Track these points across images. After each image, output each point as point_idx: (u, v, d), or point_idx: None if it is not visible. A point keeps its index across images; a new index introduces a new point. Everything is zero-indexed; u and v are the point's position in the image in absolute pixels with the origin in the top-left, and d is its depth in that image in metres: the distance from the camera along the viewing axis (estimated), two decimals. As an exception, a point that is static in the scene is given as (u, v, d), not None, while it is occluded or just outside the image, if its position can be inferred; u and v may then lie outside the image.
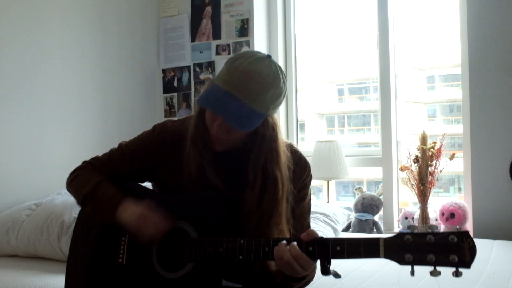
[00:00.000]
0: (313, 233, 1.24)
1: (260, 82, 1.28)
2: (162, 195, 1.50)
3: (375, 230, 3.16)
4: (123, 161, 1.51)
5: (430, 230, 1.12)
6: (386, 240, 1.13)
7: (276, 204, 1.36)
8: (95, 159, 1.57)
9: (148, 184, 1.60)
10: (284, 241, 1.24)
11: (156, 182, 1.55)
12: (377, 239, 1.14)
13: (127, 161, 1.51)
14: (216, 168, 1.40)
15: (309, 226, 1.52)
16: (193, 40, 3.59)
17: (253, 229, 1.35)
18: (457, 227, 1.10)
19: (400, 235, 1.13)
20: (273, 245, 1.25)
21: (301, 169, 1.47)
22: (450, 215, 2.91)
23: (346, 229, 3.17)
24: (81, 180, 1.51)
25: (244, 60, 1.29)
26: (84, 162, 1.58)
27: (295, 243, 1.22)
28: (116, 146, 1.57)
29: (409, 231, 1.13)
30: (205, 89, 1.35)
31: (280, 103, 1.36)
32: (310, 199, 1.53)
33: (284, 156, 1.38)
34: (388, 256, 1.12)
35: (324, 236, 1.24)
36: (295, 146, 1.52)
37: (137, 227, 1.37)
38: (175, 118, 1.54)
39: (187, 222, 1.38)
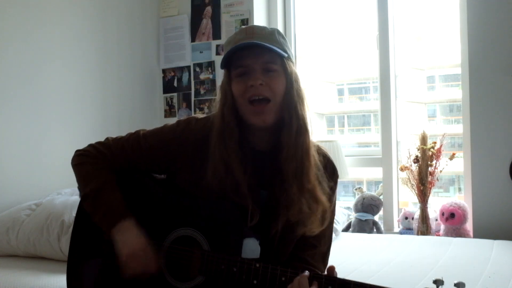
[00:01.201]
0: (332, 270, 1.22)
1: (262, 29, 1.35)
2: (174, 197, 1.40)
3: (375, 230, 3.15)
4: (137, 154, 1.42)
5: None
6: None
7: (308, 144, 1.34)
8: (106, 148, 1.43)
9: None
10: (299, 277, 1.19)
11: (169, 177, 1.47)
12: None
13: (142, 154, 1.41)
14: (243, 165, 1.33)
15: (331, 235, 1.47)
16: (193, 40, 3.59)
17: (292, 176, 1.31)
18: None
19: None
20: (290, 276, 1.21)
21: (329, 174, 1.42)
22: (450, 215, 2.90)
23: (346, 229, 3.17)
24: (85, 173, 1.41)
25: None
26: (93, 148, 1.44)
27: (315, 284, 1.18)
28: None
29: (434, 287, 1.08)
30: (222, 58, 1.35)
31: (291, 52, 1.38)
32: (335, 207, 1.46)
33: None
34: None
35: (346, 278, 1.19)
36: (323, 148, 1.46)
37: (125, 261, 1.32)
38: (201, 116, 1.45)
39: (198, 231, 1.33)
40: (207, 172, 1.34)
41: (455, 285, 1.07)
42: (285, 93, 1.33)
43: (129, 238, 1.32)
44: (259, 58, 1.31)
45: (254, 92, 1.30)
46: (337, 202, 1.52)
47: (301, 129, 1.33)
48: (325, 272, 1.29)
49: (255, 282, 1.23)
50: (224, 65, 1.35)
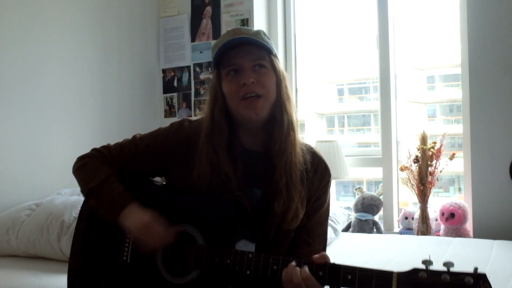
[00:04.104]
0: (325, 257, 1.22)
1: (248, 29, 1.40)
2: (170, 195, 1.45)
3: (375, 230, 3.15)
4: (135, 154, 1.47)
5: (446, 268, 1.07)
6: (399, 275, 1.10)
7: (295, 140, 1.38)
8: (106, 148, 1.51)
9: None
10: (294, 263, 1.21)
11: (167, 178, 1.51)
12: (391, 274, 1.11)
13: (139, 155, 1.46)
14: (232, 163, 1.37)
15: (325, 233, 1.48)
16: (193, 40, 3.59)
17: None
18: (476, 267, 1.05)
19: (414, 271, 1.09)
20: (282, 264, 1.22)
21: (320, 174, 1.45)
22: (450, 215, 2.90)
23: (346, 229, 3.17)
24: (88, 171, 1.46)
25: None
26: (94, 150, 1.51)
27: (306, 267, 1.19)
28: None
29: (424, 267, 1.09)
30: (213, 59, 1.42)
31: (277, 52, 1.43)
32: (328, 205, 1.49)
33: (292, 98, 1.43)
34: None
35: (336, 263, 1.20)
36: (314, 148, 1.49)
37: (140, 236, 1.34)
38: (194, 118, 1.52)
39: (194, 226, 1.35)
40: (193, 174, 1.38)
41: (444, 264, 1.08)
42: (276, 89, 1.38)
43: (137, 217, 1.35)
44: (249, 56, 1.35)
45: (247, 90, 1.33)
46: (337, 202, 1.53)
47: (290, 125, 1.38)
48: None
49: (248, 272, 1.25)
50: (214, 66, 1.40)
